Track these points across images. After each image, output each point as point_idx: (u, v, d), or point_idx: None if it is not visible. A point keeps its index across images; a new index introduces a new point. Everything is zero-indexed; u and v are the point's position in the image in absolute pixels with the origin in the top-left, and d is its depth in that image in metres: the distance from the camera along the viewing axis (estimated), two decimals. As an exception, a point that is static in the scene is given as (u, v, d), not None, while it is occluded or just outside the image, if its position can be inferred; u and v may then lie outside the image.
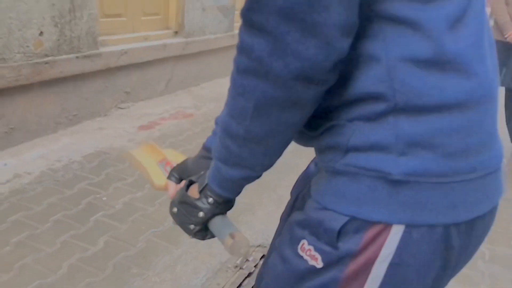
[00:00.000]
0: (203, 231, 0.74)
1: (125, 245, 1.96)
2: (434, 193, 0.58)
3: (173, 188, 0.84)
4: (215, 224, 0.72)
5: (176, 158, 0.94)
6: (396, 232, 0.58)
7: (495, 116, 0.63)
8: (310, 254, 0.62)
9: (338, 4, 0.48)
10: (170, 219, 1.90)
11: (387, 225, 0.58)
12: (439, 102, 0.55)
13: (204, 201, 0.71)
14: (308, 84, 0.53)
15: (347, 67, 0.56)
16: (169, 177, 0.86)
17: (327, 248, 0.60)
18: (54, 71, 2.79)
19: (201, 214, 0.71)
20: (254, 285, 0.99)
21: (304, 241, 0.63)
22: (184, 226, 0.74)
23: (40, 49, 2.67)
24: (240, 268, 1.89)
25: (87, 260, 1.83)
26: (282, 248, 0.68)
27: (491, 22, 3.63)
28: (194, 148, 2.95)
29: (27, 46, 2.59)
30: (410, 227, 0.58)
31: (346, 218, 0.59)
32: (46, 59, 2.71)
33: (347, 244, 0.59)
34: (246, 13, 0.52)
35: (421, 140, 0.56)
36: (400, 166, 0.56)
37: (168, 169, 0.89)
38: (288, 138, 0.62)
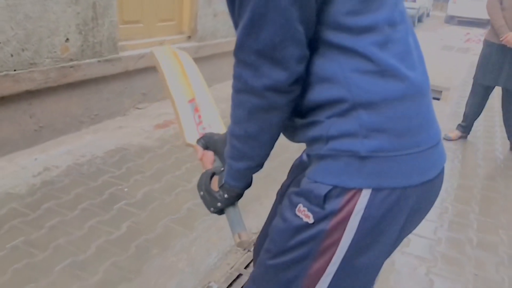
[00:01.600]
0: (220, 212, 0.97)
1: (145, 229, 2.19)
2: (391, 164, 0.79)
3: (200, 151, 1.06)
4: (229, 215, 0.95)
5: (202, 97, 1.14)
6: (365, 195, 0.79)
7: (429, 106, 0.84)
8: (305, 214, 0.83)
9: (292, 45, 0.74)
10: (185, 207, 2.15)
11: (359, 190, 0.79)
12: (384, 98, 0.76)
13: (221, 194, 0.94)
14: (279, 94, 0.78)
15: (318, 82, 0.79)
16: (198, 142, 1.08)
17: (316, 209, 0.82)
18: (78, 74, 3.03)
19: (219, 204, 0.94)
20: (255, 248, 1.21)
21: (300, 205, 0.84)
22: (206, 207, 0.97)
23: (66, 54, 2.92)
24: (248, 251, 2.10)
25: (112, 242, 2.06)
26: (283, 212, 0.89)
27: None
28: (206, 145, 3.18)
29: (55, 52, 2.84)
30: (375, 190, 0.79)
31: (329, 187, 0.80)
32: (71, 63, 2.96)
33: (330, 205, 0.81)
34: (236, 53, 0.78)
35: (376, 126, 0.78)
36: (365, 146, 0.78)
37: (197, 118, 1.10)
38: (274, 133, 0.85)
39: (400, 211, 0.82)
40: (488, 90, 3.72)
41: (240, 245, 0.90)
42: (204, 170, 1.03)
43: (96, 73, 3.18)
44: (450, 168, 3.31)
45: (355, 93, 0.76)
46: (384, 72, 0.76)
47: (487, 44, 3.63)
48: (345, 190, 0.80)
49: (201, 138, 1.08)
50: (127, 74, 3.50)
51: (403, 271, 2.08)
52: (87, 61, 3.09)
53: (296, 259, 0.85)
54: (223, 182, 0.92)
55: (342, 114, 0.78)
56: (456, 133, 3.93)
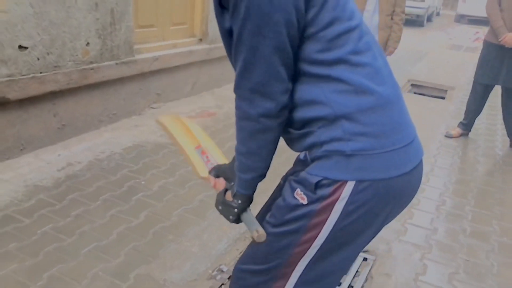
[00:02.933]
0: (238, 220, 1.14)
1: (162, 218, 2.38)
2: (371, 161, 0.97)
3: (213, 180, 1.23)
4: (245, 218, 1.13)
5: (206, 143, 1.34)
6: (350, 185, 0.97)
7: (401, 111, 1.03)
8: (301, 196, 1.02)
9: (276, 82, 0.95)
10: (197, 198, 2.36)
11: (345, 181, 0.97)
12: (359, 109, 0.96)
13: (236, 202, 1.11)
14: (271, 119, 0.98)
15: (307, 103, 0.99)
16: (210, 173, 1.25)
17: (310, 193, 1.00)
18: (98, 76, 3.25)
19: (235, 210, 1.12)
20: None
21: (298, 189, 1.02)
22: (226, 217, 1.15)
23: (87, 57, 3.14)
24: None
25: (132, 229, 2.26)
26: (284, 194, 1.07)
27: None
28: (218, 142, 3.37)
29: (76, 55, 3.06)
30: (358, 182, 0.97)
31: (320, 178, 0.99)
32: (91, 65, 3.18)
33: (321, 192, 0.99)
34: (235, 90, 1.00)
35: (356, 131, 0.96)
36: (349, 146, 0.96)
37: (205, 158, 1.29)
38: (271, 148, 1.05)
39: (381, 200, 1.00)
40: (487, 89, 3.85)
41: (258, 239, 1.09)
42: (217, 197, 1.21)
43: (113, 75, 3.39)
44: (450, 164, 3.46)
45: (336, 108, 0.96)
46: (356, 90, 0.96)
47: (487, 44, 3.77)
48: (334, 181, 0.98)
49: (212, 169, 1.26)
50: (142, 76, 3.71)
51: (399, 256, 2.25)
52: (106, 63, 3.30)
53: (290, 231, 1.04)
54: (235, 191, 1.11)
55: (329, 124, 0.98)
56: (458, 131, 4.07)
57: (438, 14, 19.00)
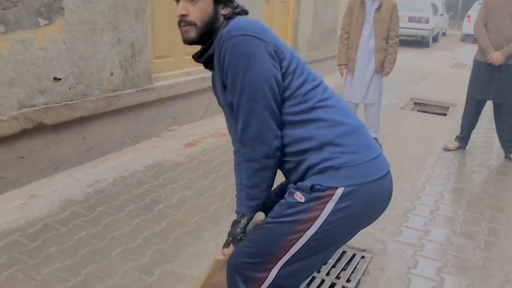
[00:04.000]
0: (242, 236, 1.43)
1: (181, 225, 2.68)
2: (355, 170, 1.28)
3: (225, 251, 1.50)
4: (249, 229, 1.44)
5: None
6: (339, 190, 1.27)
7: (365, 134, 1.37)
8: (299, 197, 1.31)
9: (269, 132, 1.28)
10: (212, 208, 2.70)
11: (335, 187, 1.27)
12: (337, 136, 1.30)
13: (243, 222, 1.43)
14: (269, 158, 1.32)
15: (298, 140, 1.32)
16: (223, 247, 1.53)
17: (307, 194, 1.30)
18: (121, 102, 3.62)
19: (242, 224, 1.43)
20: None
21: (297, 192, 1.32)
22: (235, 237, 1.44)
23: (111, 86, 3.52)
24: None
25: (155, 234, 2.57)
26: (285, 197, 1.37)
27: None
28: (229, 159, 3.69)
29: (102, 84, 3.44)
30: (346, 187, 1.27)
31: (315, 183, 1.28)
32: (115, 93, 3.55)
33: (316, 193, 1.28)
34: (240, 142, 1.34)
35: (339, 151, 1.29)
36: (336, 162, 1.28)
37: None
38: (270, 183, 1.38)
39: (365, 201, 1.30)
40: (479, 104, 4.12)
41: (257, 226, 1.40)
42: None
43: (134, 101, 3.76)
44: (446, 174, 3.71)
45: (321, 139, 1.30)
46: (332, 123, 1.32)
47: (476, 63, 4.06)
48: (327, 187, 1.28)
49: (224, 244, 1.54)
50: (160, 101, 4.07)
51: (393, 254, 2.51)
52: (127, 91, 3.68)
53: (287, 221, 1.32)
54: (242, 213, 1.44)
55: (318, 151, 1.31)
56: (455, 144, 4.33)
57: (444, 34, 19.35)
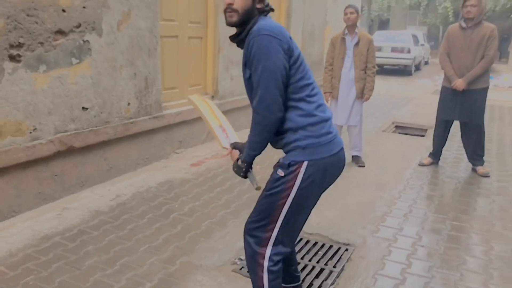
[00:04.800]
0: (245, 176, 1.99)
1: (194, 228, 3.19)
2: (316, 149, 1.84)
3: (230, 151, 2.08)
4: (249, 176, 1.98)
5: (226, 124, 2.16)
6: (305, 163, 1.83)
7: (331, 125, 1.91)
8: (280, 172, 1.87)
9: (276, 105, 1.80)
10: (219, 214, 3.32)
11: (303, 161, 1.83)
12: (308, 124, 1.85)
13: (244, 164, 1.96)
14: (271, 124, 1.82)
15: (285, 121, 1.86)
16: (230, 146, 2.10)
17: (285, 170, 1.85)
18: (136, 128, 4.16)
19: (244, 169, 1.97)
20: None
21: (279, 169, 1.88)
22: (238, 174, 1.98)
23: (128, 114, 4.07)
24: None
25: (173, 235, 3.07)
26: (273, 174, 1.91)
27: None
28: (230, 176, 4.21)
29: (121, 113, 3.99)
30: (310, 161, 1.83)
31: (289, 161, 1.84)
32: (131, 120, 4.10)
33: (291, 168, 1.84)
34: (255, 109, 1.85)
35: (307, 134, 1.84)
36: (303, 143, 1.84)
37: (225, 135, 2.14)
38: (268, 141, 1.89)
39: (322, 170, 1.86)
40: (447, 124, 4.73)
41: (258, 189, 1.93)
42: (232, 162, 2.05)
43: (147, 127, 4.31)
44: (420, 185, 4.27)
45: (297, 124, 1.85)
46: (307, 114, 1.86)
47: (444, 89, 4.68)
48: (297, 162, 1.83)
49: (231, 144, 2.12)
50: (168, 127, 4.63)
51: (371, 246, 3.02)
52: (141, 118, 4.23)
53: (276, 191, 1.87)
54: (243, 159, 1.95)
55: (293, 132, 1.85)
56: (428, 160, 4.91)
57: (427, 62, 20.31)
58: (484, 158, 4.71)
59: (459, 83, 4.42)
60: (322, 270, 2.76)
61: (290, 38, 1.88)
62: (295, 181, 1.84)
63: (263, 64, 1.79)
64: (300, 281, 2.32)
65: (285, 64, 1.81)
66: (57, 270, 2.61)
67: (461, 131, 4.74)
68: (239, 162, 1.97)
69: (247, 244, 1.98)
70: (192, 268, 2.69)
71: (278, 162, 1.94)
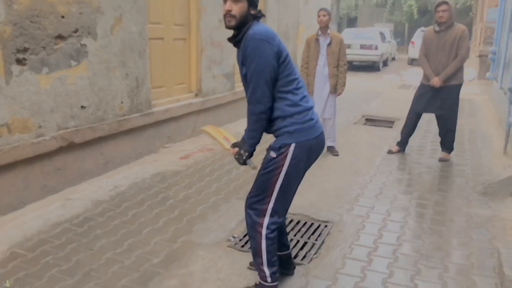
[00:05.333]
0: (244, 164, 2.37)
1: (190, 212, 3.54)
2: (301, 133, 2.25)
3: (232, 149, 2.45)
4: (248, 162, 2.36)
5: (230, 136, 2.56)
6: (293, 145, 2.23)
7: (313, 113, 2.32)
8: (272, 154, 2.26)
9: (265, 98, 2.20)
10: (211, 200, 3.75)
11: (291, 144, 2.23)
12: (294, 113, 2.25)
13: (246, 154, 2.33)
14: (262, 113, 2.23)
15: (275, 110, 2.26)
16: (231, 146, 2.48)
17: (276, 152, 2.25)
18: (128, 125, 4.47)
19: (244, 158, 2.34)
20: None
21: (271, 151, 2.27)
22: (239, 161, 2.36)
23: (121, 111, 4.38)
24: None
25: (172, 219, 3.42)
26: (267, 156, 2.30)
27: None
28: (218, 167, 4.58)
29: (115, 110, 4.29)
30: (296, 143, 2.23)
31: (280, 144, 2.25)
32: (124, 117, 4.41)
33: (281, 150, 2.24)
34: (249, 101, 2.26)
35: (293, 122, 2.25)
36: (291, 128, 2.24)
37: (227, 141, 2.52)
38: (263, 129, 2.29)
39: (307, 150, 2.26)
40: (418, 117, 5.24)
41: (254, 169, 2.33)
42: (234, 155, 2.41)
43: (138, 123, 4.62)
44: (389, 170, 4.74)
45: (285, 113, 2.24)
46: (294, 104, 2.25)
47: (421, 86, 5.16)
48: (286, 144, 2.23)
49: (232, 144, 2.45)
50: (157, 123, 4.95)
51: (348, 222, 3.45)
52: (133, 115, 4.54)
53: (270, 169, 2.26)
54: (245, 148, 2.33)
55: (283, 119, 2.24)
56: (396, 148, 5.41)
57: (394, 59, 21.10)
58: (454, 145, 5.23)
59: (436, 81, 4.91)
60: (305, 243, 3.17)
61: (279, 41, 2.26)
62: (285, 161, 2.24)
63: (255, 63, 2.16)
64: (290, 250, 2.72)
65: (274, 64, 2.19)
66: (71, 251, 2.92)
67: (437, 123, 5.23)
68: (241, 151, 2.33)
69: (248, 216, 2.37)
70: (193, 245, 3.05)
71: (269, 146, 2.32)
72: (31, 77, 3.43)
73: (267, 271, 2.35)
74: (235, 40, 2.30)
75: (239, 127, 5.44)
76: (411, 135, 5.41)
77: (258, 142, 2.31)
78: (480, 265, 2.85)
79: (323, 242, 3.17)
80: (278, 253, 2.63)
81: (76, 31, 3.78)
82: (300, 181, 2.40)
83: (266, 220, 2.32)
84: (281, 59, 2.22)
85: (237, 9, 2.21)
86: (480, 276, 2.73)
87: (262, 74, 2.16)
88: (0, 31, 3.16)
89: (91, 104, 4.01)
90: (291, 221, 3.49)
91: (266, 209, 2.31)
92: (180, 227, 3.30)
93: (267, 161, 2.28)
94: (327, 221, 3.49)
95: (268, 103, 2.21)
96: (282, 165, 2.24)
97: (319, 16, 5.01)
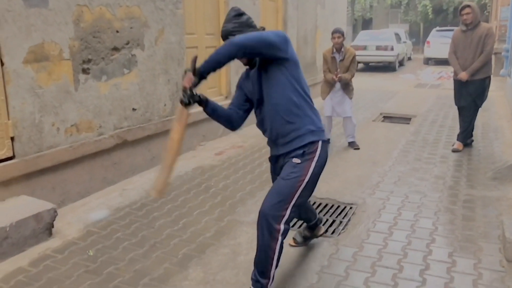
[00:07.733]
0: (189, 101, 2.48)
1: (231, 198, 4.07)
2: (322, 132, 2.56)
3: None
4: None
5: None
6: (320, 143, 2.58)
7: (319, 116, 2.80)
8: (296, 160, 2.53)
9: (255, 49, 2.34)
10: (248, 188, 4.27)
11: (318, 140, 2.58)
12: (314, 114, 2.57)
13: (192, 86, 2.39)
14: (236, 55, 2.38)
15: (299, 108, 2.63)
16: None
17: (301, 158, 2.51)
18: (171, 125, 5.02)
19: (189, 91, 2.41)
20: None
21: (295, 158, 2.56)
22: (183, 98, 2.38)
23: (165, 113, 4.94)
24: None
25: (216, 204, 3.94)
26: (290, 162, 2.56)
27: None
28: (249, 161, 5.11)
29: (159, 112, 4.86)
30: (323, 141, 2.61)
31: (307, 141, 2.52)
32: (167, 118, 4.97)
33: (306, 157, 2.47)
34: (233, 42, 2.30)
35: (314, 121, 2.66)
36: (313, 127, 2.48)
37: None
38: (221, 65, 2.36)
39: (326, 153, 2.60)
40: (458, 110, 5.67)
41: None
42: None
43: (178, 124, 5.18)
44: (406, 160, 5.19)
45: (306, 112, 2.47)
46: (313, 108, 2.50)
47: (454, 81, 5.63)
48: (313, 141, 2.51)
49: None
50: (195, 124, 5.50)
51: (370, 204, 3.93)
52: (174, 116, 5.09)
53: (294, 176, 2.44)
54: (198, 71, 2.30)
55: (304, 117, 2.49)
56: (458, 144, 5.71)
57: (410, 58, 21.40)
58: (473, 138, 5.66)
59: (463, 75, 5.36)
60: (333, 221, 3.66)
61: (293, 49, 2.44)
62: (309, 168, 2.38)
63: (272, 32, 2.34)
64: (317, 220, 3.11)
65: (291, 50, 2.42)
66: (136, 229, 3.47)
67: (459, 114, 5.67)
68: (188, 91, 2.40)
69: (265, 222, 2.31)
70: (237, 223, 3.57)
71: (289, 154, 2.44)
72: (94, 84, 4.01)
73: (272, 274, 2.42)
74: (250, 66, 2.64)
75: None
76: (467, 128, 5.71)
77: (214, 70, 2.29)
78: (487, 235, 3.30)
79: (349, 220, 3.65)
80: (309, 224, 3.08)
81: (127, 43, 4.35)
82: (310, 195, 2.56)
83: (282, 227, 2.32)
84: (298, 63, 2.45)
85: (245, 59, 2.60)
86: (486, 243, 3.18)
87: (274, 37, 2.31)
88: (70, 45, 3.75)
89: (141, 107, 4.58)
90: (319, 204, 3.99)
91: (283, 215, 2.32)
92: (224, 210, 3.82)
93: (291, 167, 2.38)
94: (351, 204, 3.97)
95: (244, 55, 2.39)
96: (307, 172, 2.38)
97: (333, 38, 5.51)
